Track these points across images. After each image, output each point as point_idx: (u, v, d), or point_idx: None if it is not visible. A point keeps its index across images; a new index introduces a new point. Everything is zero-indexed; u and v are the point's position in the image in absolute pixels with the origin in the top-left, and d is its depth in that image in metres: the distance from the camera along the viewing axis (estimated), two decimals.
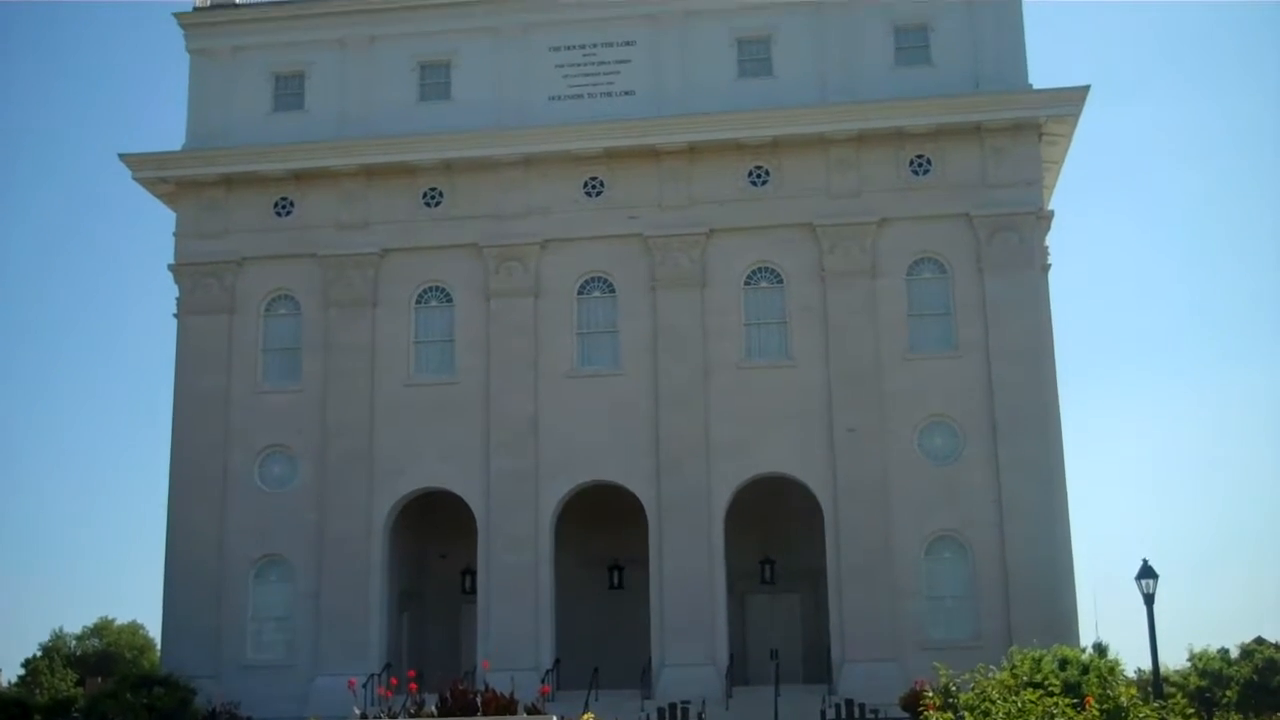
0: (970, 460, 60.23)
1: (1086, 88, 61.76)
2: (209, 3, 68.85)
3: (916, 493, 60.11)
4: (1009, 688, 32.45)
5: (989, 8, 64.05)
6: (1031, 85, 62.84)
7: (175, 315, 66.05)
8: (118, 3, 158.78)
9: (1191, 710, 34.24)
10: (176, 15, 68.55)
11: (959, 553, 59.92)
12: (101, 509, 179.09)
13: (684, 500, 61.18)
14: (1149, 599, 51.48)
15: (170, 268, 66.23)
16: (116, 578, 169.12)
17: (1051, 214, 63.64)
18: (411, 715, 35.93)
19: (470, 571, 65.05)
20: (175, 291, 66.11)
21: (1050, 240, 63.67)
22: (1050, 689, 33.32)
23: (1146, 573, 51.72)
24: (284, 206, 66.21)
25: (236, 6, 68.57)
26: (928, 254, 62.42)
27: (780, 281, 63.12)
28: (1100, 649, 53.27)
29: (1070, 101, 62.06)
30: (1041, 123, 62.46)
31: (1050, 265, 63.88)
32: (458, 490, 63.20)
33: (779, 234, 63.13)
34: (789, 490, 62.36)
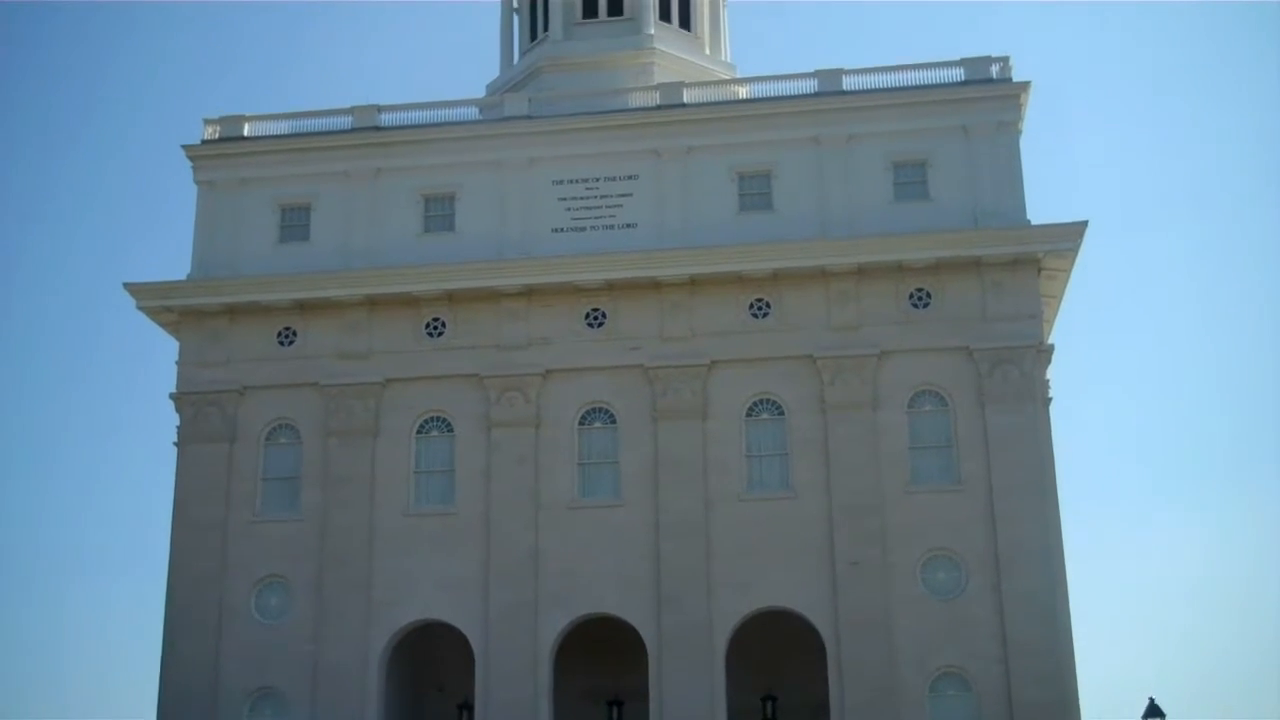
0: (973, 595, 59.73)
1: (1084, 223, 62.38)
2: (217, 135, 69.81)
3: (920, 628, 59.51)
4: None
5: (986, 144, 64.90)
6: (1030, 220, 63.46)
7: (175, 444, 65.98)
8: (124, 134, 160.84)
9: None
10: (185, 147, 69.47)
11: (963, 689, 59.10)
12: (96, 639, 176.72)
13: (685, 634, 60.51)
14: None
15: (172, 396, 66.32)
16: (109, 709, 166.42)
17: (1052, 348, 63.83)
18: None
19: (468, 705, 64.07)
20: (176, 420, 66.09)
21: (1051, 374, 63.80)
22: None
23: (1153, 712, 51.08)
24: (287, 336, 66.48)
25: (244, 139, 69.51)
26: (928, 387, 62.55)
27: (781, 413, 63.15)
28: None
29: (1069, 237, 62.60)
30: (1040, 257, 62.96)
31: (1052, 399, 63.88)
32: (456, 622, 62.58)
33: (780, 366, 63.32)
34: (791, 624, 61.70)
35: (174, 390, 66.40)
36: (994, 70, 66.43)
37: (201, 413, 65.47)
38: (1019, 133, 65.58)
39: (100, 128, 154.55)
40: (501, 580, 62.09)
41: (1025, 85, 65.64)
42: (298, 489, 64.77)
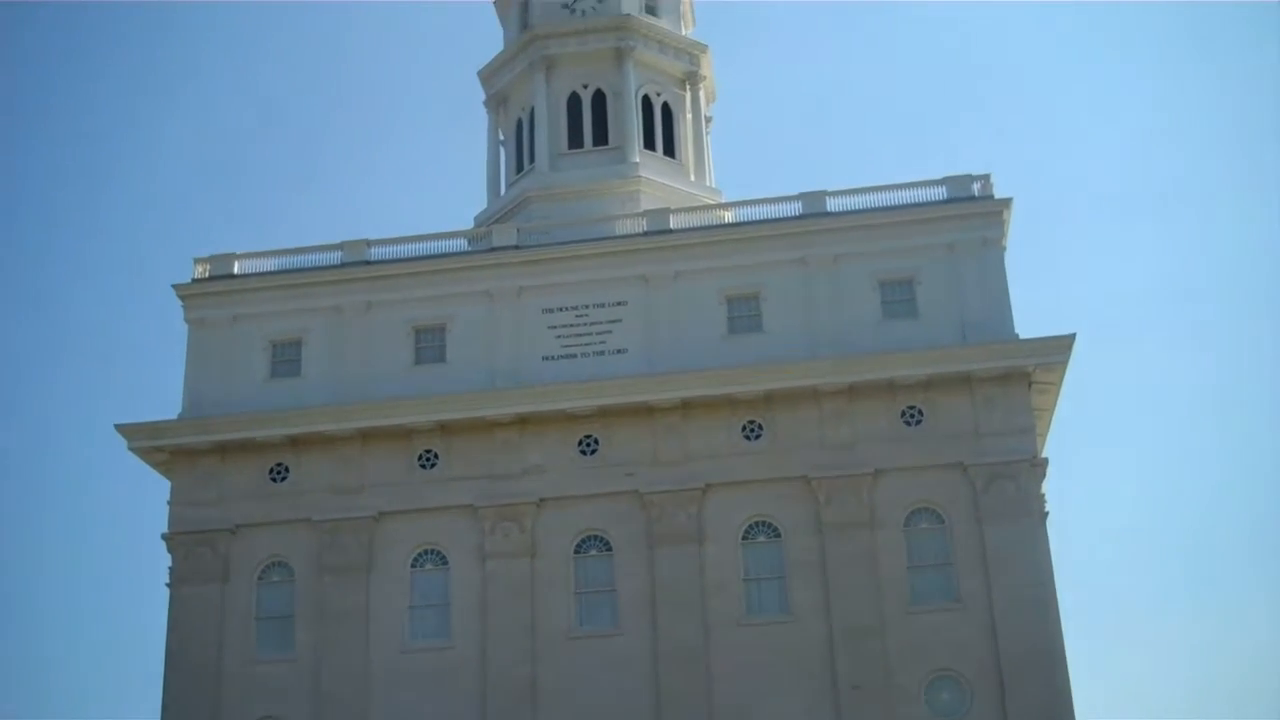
0: (979, 715, 58.92)
1: (1072, 336, 62.64)
2: (207, 274, 70.15)
3: None
4: None
5: (971, 260, 65.37)
6: (1018, 335, 63.68)
7: (168, 585, 65.33)
8: (115, 273, 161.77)
9: None
10: (176, 287, 69.73)
11: None
12: None
13: None
14: None
15: (164, 537, 65.81)
16: None
17: (1046, 461, 63.63)
18: None
19: None
20: (168, 561, 65.54)
21: (1046, 487, 63.54)
22: None
23: None
24: (279, 472, 66.20)
25: (235, 277, 69.83)
26: (925, 504, 62.28)
27: (778, 535, 62.78)
28: None
29: (1057, 350, 62.80)
30: (1030, 371, 63.07)
31: (1048, 513, 63.47)
32: None
33: (775, 487, 63.06)
34: None
35: (166, 531, 65.92)
36: (975, 188, 67.18)
37: (194, 553, 64.94)
38: (1003, 248, 66.12)
39: (89, 269, 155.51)
40: (500, 714, 61.17)
41: (1007, 202, 66.35)
42: (292, 628, 64.01)
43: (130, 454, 67.16)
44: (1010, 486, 61.37)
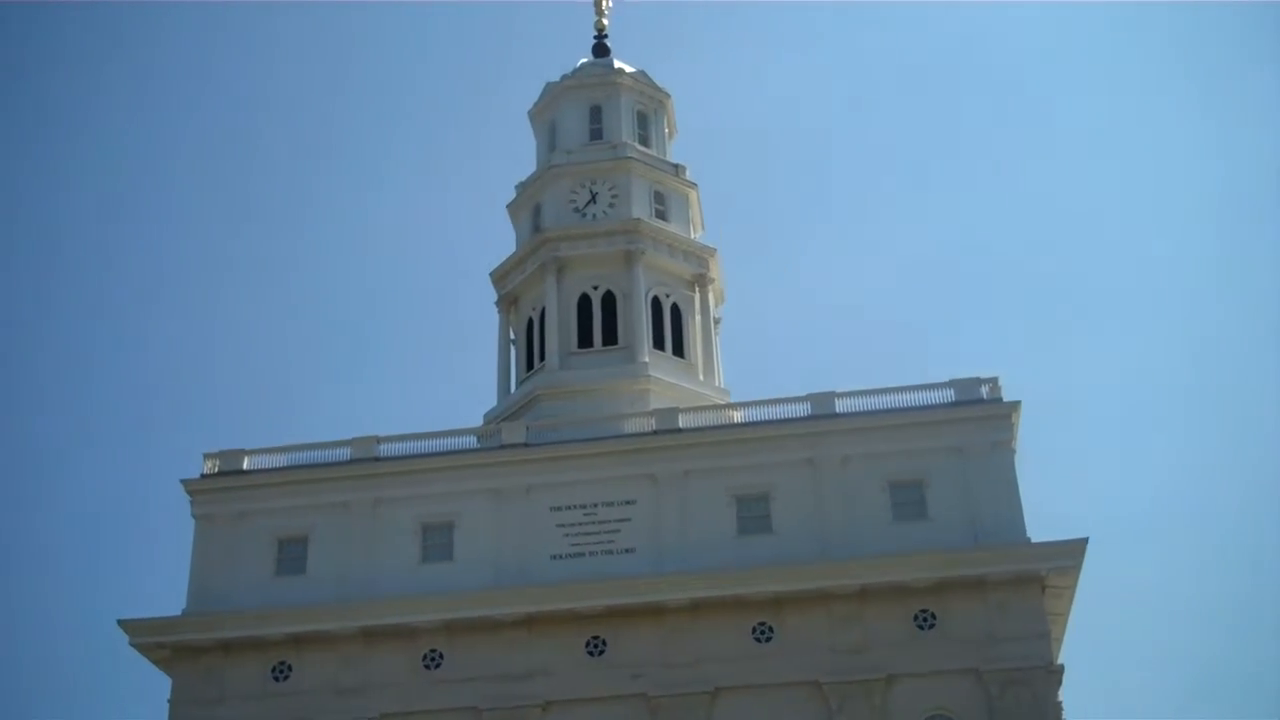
0: None
1: (1085, 540, 62.12)
2: (216, 469, 70.11)
3: None
4: None
5: (981, 463, 65.22)
6: (1030, 538, 63.21)
7: None
8: (122, 467, 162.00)
9: None
10: (184, 482, 69.64)
11: None
12: None
13: None
14: None
15: None
16: None
17: (1062, 668, 62.51)
18: None
19: None
20: None
21: (1064, 695, 62.30)
22: None
23: None
24: (281, 671, 65.14)
25: (243, 473, 69.76)
26: (939, 711, 60.99)
27: None
28: None
29: (1070, 554, 62.22)
30: (1044, 576, 62.42)
31: None
32: None
33: (785, 692, 61.85)
34: None
35: None
36: (984, 391, 67.44)
37: None
38: (1013, 451, 66.10)
39: (96, 462, 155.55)
40: None
41: (1016, 405, 66.57)
42: None
43: (132, 649, 66.23)
44: (1026, 693, 60.16)
